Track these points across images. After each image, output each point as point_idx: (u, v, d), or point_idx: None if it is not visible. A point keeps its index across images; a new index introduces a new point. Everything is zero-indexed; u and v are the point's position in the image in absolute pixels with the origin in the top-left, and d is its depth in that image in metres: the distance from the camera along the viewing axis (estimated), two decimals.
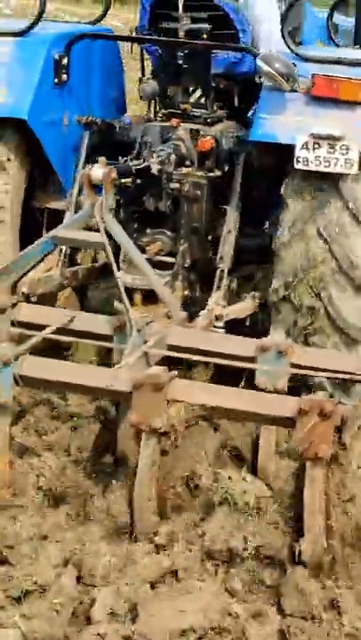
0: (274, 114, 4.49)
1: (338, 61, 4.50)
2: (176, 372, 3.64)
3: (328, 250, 4.46)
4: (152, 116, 5.27)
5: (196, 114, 5.11)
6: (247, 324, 4.83)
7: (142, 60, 5.46)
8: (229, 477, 3.84)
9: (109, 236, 4.14)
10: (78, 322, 4.20)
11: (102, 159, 4.34)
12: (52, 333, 3.99)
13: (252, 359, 3.95)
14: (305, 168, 4.41)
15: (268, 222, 5.02)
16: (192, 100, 5.17)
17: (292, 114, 4.47)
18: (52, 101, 4.93)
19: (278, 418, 3.58)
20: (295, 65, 4.45)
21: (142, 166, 4.73)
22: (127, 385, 3.52)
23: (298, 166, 4.41)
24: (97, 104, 5.34)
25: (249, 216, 4.92)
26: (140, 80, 5.33)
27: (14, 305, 4.26)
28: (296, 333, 4.56)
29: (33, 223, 5.09)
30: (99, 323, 4.21)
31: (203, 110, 5.12)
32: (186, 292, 4.88)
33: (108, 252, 4.07)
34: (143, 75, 5.41)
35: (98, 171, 4.16)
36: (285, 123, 4.47)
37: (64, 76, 5.01)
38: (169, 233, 4.96)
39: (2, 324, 4.05)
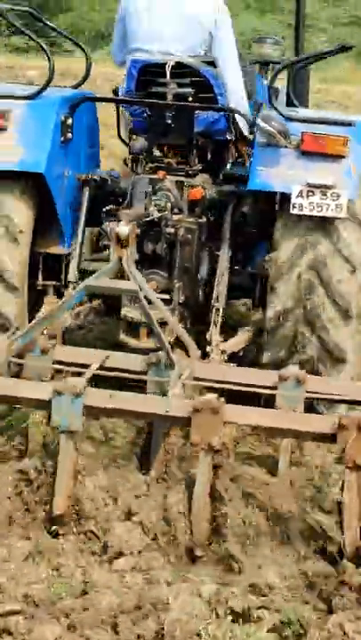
0: (269, 166, 5.14)
1: (319, 121, 5.19)
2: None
3: (319, 282, 5.07)
4: (138, 169, 5.81)
5: (178, 167, 5.70)
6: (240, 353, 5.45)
7: (118, 120, 6.20)
8: None
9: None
10: (113, 360, 4.77)
11: (125, 215, 5.16)
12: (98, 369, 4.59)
13: (273, 387, 4.57)
14: (300, 213, 5.04)
15: (253, 262, 5.63)
16: (176, 154, 5.78)
17: (285, 166, 5.12)
18: (59, 157, 5.47)
19: (321, 434, 4.14)
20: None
21: (145, 215, 5.37)
22: (183, 411, 4.11)
23: (294, 211, 5.05)
24: (83, 159, 5.91)
25: (236, 257, 5.58)
26: (119, 136, 6.22)
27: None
28: (289, 356, 5.18)
29: (30, 267, 5.58)
30: (131, 360, 4.76)
31: (184, 164, 5.73)
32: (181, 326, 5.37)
33: (141, 298, 4.61)
34: (119, 133, 6.20)
35: (124, 228, 4.66)
36: (280, 174, 5.12)
37: (69, 135, 5.58)
38: (163, 273, 5.45)
39: (46, 362, 4.62)
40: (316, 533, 4.21)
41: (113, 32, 6.04)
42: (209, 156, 5.92)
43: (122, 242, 4.67)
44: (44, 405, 4.21)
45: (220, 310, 5.33)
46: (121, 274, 4.67)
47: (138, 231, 4.96)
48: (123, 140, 6.33)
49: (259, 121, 5.20)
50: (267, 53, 6.60)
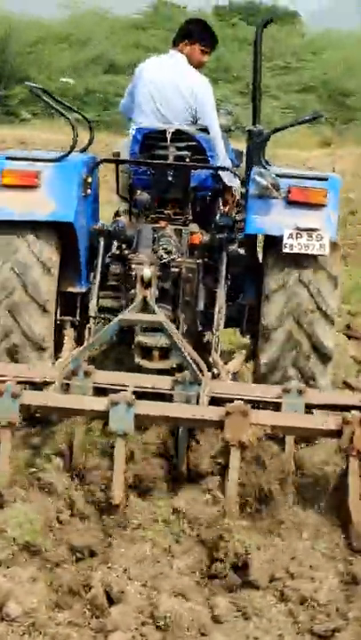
0: (263, 214, 6.15)
1: (301, 177, 6.25)
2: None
3: (309, 297, 6.14)
4: (140, 219, 6.78)
5: (175, 217, 6.66)
6: None
7: (117, 179, 7.12)
8: None
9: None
10: (144, 380, 5.71)
11: (146, 259, 6.19)
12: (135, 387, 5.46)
13: (278, 398, 5.55)
14: (291, 252, 6.09)
15: (241, 295, 6.60)
16: (173, 206, 6.73)
17: (276, 214, 6.13)
18: (81, 210, 6.40)
19: (329, 431, 5.15)
20: None
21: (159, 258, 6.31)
22: (217, 415, 5.08)
23: (285, 250, 6.08)
24: (90, 211, 6.76)
25: (229, 290, 6.53)
26: (118, 192, 7.23)
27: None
28: (284, 358, 6.17)
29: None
30: (157, 380, 5.72)
31: (180, 215, 6.68)
32: None
33: (167, 327, 5.71)
34: (118, 189, 7.18)
35: (147, 271, 5.87)
36: (273, 220, 6.13)
37: (88, 191, 6.53)
38: (168, 306, 6.33)
39: (88, 383, 5.55)
40: None
41: (125, 92, 7.26)
42: (199, 207, 6.99)
43: (145, 283, 5.85)
44: (103, 415, 5.14)
45: (219, 337, 6.26)
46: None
47: (159, 273, 6.12)
48: (121, 196, 7.27)
49: (255, 176, 6.15)
50: (220, 123, 7.31)
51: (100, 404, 5.16)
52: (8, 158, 6.30)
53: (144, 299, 5.86)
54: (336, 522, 5.06)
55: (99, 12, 48.16)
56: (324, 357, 6.18)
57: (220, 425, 5.06)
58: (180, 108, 6.97)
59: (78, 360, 5.62)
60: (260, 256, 6.56)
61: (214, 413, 5.13)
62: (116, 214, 7.23)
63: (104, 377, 5.67)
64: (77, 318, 6.54)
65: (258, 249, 6.66)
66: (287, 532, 4.98)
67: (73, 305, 6.54)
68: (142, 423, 5.31)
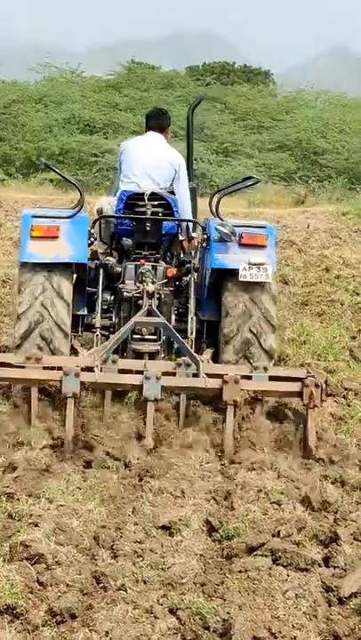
0: (223, 253, 8.37)
1: (248, 226, 8.54)
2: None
3: (256, 309, 8.35)
4: (124, 258, 8.88)
5: (149, 256, 8.80)
6: None
7: (100, 229, 9.15)
8: None
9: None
10: (150, 365, 7.83)
11: (134, 287, 8.56)
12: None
13: (250, 373, 7.75)
14: (245, 280, 8.31)
15: (203, 313, 8.80)
16: (148, 248, 8.89)
17: (232, 253, 8.40)
18: (86, 253, 8.52)
19: (294, 392, 7.45)
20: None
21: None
22: (217, 384, 7.33)
23: (241, 279, 8.30)
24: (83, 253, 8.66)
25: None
26: (100, 239, 9.17)
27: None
28: (239, 357, 8.30)
29: None
30: (163, 364, 8.04)
31: (153, 254, 8.83)
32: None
33: (169, 327, 8.12)
34: (100, 236, 9.16)
35: (151, 286, 8.41)
36: (230, 258, 8.38)
37: (91, 239, 8.65)
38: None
39: (116, 368, 7.70)
40: None
41: (117, 164, 9.23)
42: (166, 249, 9.08)
43: (149, 295, 8.36)
44: (138, 387, 7.34)
45: (193, 341, 8.52)
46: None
47: (160, 289, 8.54)
48: (103, 241, 9.20)
49: (217, 227, 8.40)
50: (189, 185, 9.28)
51: (135, 379, 7.39)
52: (34, 216, 8.34)
53: (149, 307, 8.28)
54: (318, 584, 5.07)
55: (72, 74, 48.60)
56: (269, 354, 8.35)
57: (220, 391, 7.28)
58: (167, 174, 8.96)
59: (108, 352, 7.71)
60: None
61: (216, 383, 7.35)
62: (95, 254, 9.02)
63: (125, 364, 7.91)
64: (80, 334, 8.76)
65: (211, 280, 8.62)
66: (268, 591, 4.96)
67: (76, 324, 8.65)
68: (165, 392, 7.46)
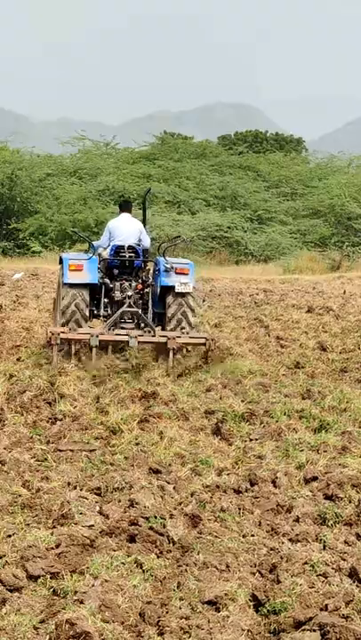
0: (166, 277, 13.92)
1: (177, 262, 14.25)
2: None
3: (184, 304, 14.11)
4: (110, 280, 14.44)
5: (127, 278, 14.25)
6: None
7: (100, 262, 14.46)
8: None
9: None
10: (131, 334, 13.60)
11: (121, 294, 14.46)
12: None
13: (179, 336, 13.81)
14: (179, 290, 13.87)
15: (156, 307, 14.50)
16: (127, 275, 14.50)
17: (171, 277, 13.92)
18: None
19: (201, 343, 13.71)
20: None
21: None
22: (164, 339, 13.47)
23: (176, 291, 13.89)
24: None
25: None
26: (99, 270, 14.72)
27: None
28: (175, 328, 13.99)
29: None
30: (136, 333, 13.59)
31: (129, 278, 14.33)
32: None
33: (139, 312, 13.99)
34: (101, 268, 14.61)
35: (130, 292, 14.18)
36: (170, 279, 13.92)
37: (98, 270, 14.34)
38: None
39: (113, 333, 13.70)
40: None
41: (102, 233, 15.01)
42: (135, 274, 14.41)
43: (129, 298, 14.00)
44: (125, 342, 13.35)
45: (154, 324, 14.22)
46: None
47: (133, 295, 14.21)
48: (102, 271, 14.30)
49: (164, 264, 13.94)
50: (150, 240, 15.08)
51: (124, 338, 13.35)
52: (70, 259, 14.11)
53: (129, 303, 13.88)
54: None
55: (106, 146, 49.26)
56: (191, 326, 13.88)
57: (165, 343, 13.31)
58: (136, 235, 14.44)
59: (109, 325, 13.59)
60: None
61: (164, 339, 13.38)
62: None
63: (117, 332, 13.60)
64: (91, 320, 14.23)
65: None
66: None
67: (90, 315, 14.28)
68: (139, 344, 13.26)
